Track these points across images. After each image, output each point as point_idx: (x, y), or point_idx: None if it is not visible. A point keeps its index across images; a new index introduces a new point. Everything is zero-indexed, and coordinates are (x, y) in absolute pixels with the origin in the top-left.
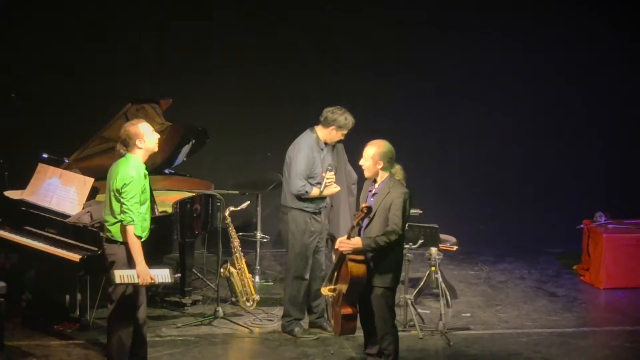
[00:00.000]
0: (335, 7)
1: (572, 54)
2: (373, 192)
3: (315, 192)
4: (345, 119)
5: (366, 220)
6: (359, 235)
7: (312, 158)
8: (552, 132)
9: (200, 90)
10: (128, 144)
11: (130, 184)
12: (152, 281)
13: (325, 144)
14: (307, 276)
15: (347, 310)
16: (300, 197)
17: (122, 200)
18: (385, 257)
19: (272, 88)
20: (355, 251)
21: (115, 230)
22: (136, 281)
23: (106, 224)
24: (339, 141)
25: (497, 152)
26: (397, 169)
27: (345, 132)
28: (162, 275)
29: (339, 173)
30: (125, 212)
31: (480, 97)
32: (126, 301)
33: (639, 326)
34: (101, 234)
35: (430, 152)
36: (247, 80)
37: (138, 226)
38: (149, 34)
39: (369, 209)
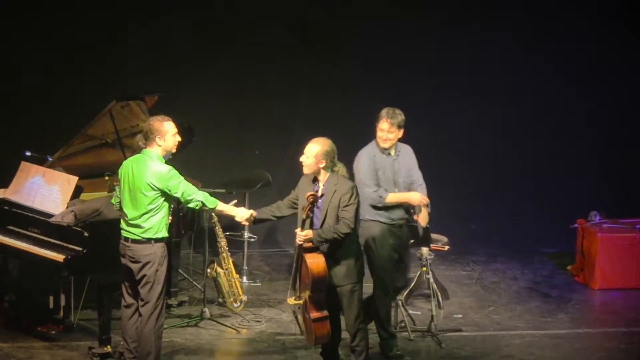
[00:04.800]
0: (328, 3)
1: (571, 53)
2: (320, 193)
3: (392, 197)
4: (380, 114)
5: (318, 218)
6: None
7: (374, 163)
8: (545, 130)
9: (186, 87)
10: (148, 137)
11: (173, 177)
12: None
13: (387, 149)
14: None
15: (317, 314)
16: (376, 207)
17: (175, 194)
18: (345, 253)
19: (260, 85)
20: (309, 247)
21: (149, 225)
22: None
23: (133, 222)
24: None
25: (489, 151)
26: (340, 166)
27: (380, 127)
28: None
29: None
30: (190, 199)
31: (474, 95)
32: (162, 298)
33: (634, 327)
34: (129, 237)
35: (422, 151)
36: (234, 77)
37: (210, 200)
38: (133, 30)
39: (315, 196)
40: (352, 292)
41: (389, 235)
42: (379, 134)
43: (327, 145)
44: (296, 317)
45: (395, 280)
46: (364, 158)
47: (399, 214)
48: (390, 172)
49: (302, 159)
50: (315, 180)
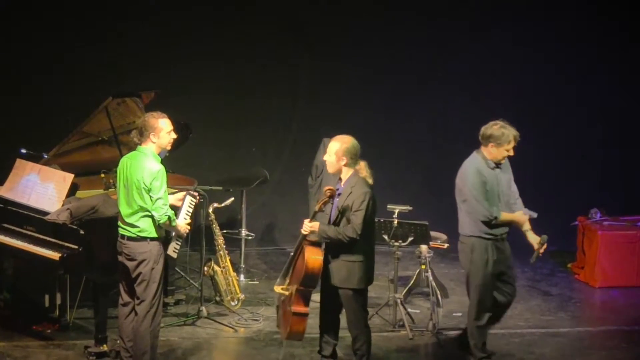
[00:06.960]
0: (327, 2)
1: (571, 53)
2: (338, 191)
3: (504, 216)
4: (502, 133)
5: (334, 213)
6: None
7: (484, 177)
8: (546, 128)
9: (183, 84)
10: (143, 134)
11: (160, 178)
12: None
13: (498, 164)
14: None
15: (299, 308)
16: (489, 223)
17: (153, 196)
18: (348, 256)
19: (256, 82)
20: (312, 241)
21: (144, 225)
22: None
23: (128, 220)
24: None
25: None
26: (362, 165)
27: (506, 146)
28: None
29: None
30: (161, 208)
31: (473, 93)
32: (158, 297)
33: (635, 326)
34: (125, 234)
35: (420, 148)
36: (231, 74)
37: (174, 219)
38: (130, 27)
39: (332, 191)
40: (349, 297)
41: (492, 251)
42: (504, 153)
43: (347, 142)
44: (277, 309)
45: (498, 298)
46: (474, 173)
47: (502, 228)
48: (495, 186)
49: (325, 157)
50: (340, 178)
